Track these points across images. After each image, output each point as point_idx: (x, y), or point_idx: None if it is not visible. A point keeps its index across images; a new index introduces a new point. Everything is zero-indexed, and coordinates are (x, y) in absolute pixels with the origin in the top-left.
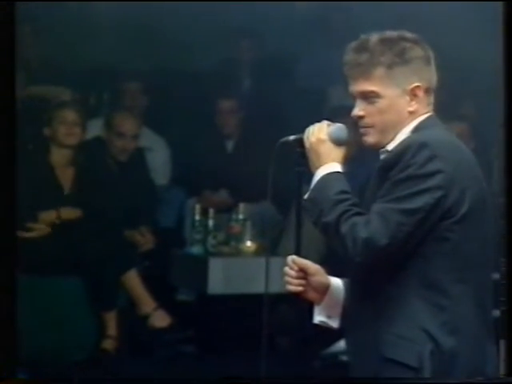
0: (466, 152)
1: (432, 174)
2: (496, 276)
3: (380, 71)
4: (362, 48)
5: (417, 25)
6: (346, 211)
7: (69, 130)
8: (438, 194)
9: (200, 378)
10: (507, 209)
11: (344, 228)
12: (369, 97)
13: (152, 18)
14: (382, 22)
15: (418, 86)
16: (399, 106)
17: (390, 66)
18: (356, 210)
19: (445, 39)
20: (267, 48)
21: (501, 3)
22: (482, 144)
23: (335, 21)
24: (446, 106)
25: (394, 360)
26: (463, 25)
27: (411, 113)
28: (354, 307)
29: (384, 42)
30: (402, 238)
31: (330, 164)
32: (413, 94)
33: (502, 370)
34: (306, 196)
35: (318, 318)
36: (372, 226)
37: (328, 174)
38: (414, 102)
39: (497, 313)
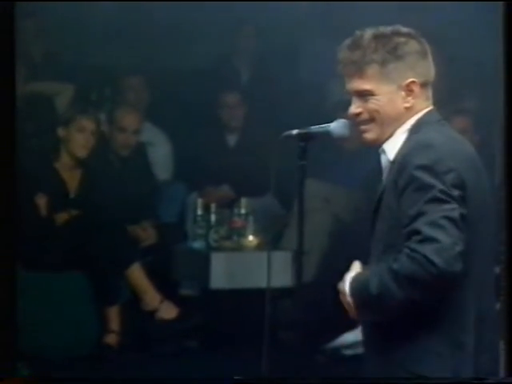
0: (469, 152)
1: (455, 187)
2: (496, 269)
3: (373, 69)
4: (355, 46)
5: (418, 18)
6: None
7: (86, 141)
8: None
9: (204, 378)
10: (507, 206)
11: (401, 267)
12: (364, 95)
13: (153, 12)
14: (385, 15)
15: (413, 82)
16: (395, 103)
17: (383, 63)
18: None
19: (446, 32)
20: (269, 42)
21: (501, 3)
22: (485, 137)
23: (337, 14)
24: (447, 99)
25: (423, 376)
26: (465, 17)
27: (408, 108)
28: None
29: (377, 38)
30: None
31: None
32: (408, 90)
33: (502, 370)
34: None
35: None
36: (436, 235)
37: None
38: (410, 98)
39: (497, 305)
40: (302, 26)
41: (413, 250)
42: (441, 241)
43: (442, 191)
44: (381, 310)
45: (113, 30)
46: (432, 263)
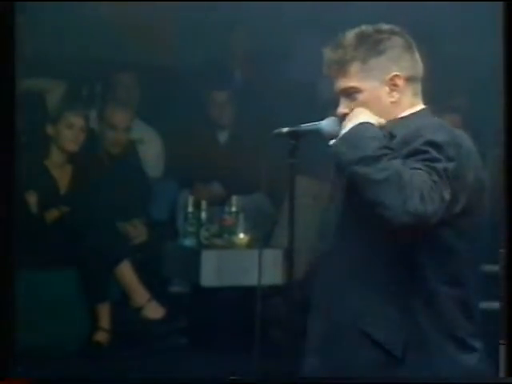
0: (467, 143)
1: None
2: (495, 268)
3: (355, 66)
4: (337, 46)
5: (411, 17)
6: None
7: (75, 137)
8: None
9: (194, 377)
10: (507, 202)
11: (406, 176)
12: (349, 93)
13: (145, 10)
14: (379, 13)
15: (397, 75)
16: (380, 98)
17: (364, 60)
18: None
19: (439, 31)
20: (259, 40)
21: (501, 3)
22: (476, 134)
23: (329, 13)
24: (438, 96)
25: (375, 341)
26: (458, 16)
27: (394, 103)
28: (339, 279)
29: (358, 36)
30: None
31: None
32: (392, 84)
33: (502, 370)
34: (336, 140)
35: None
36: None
37: (365, 123)
38: (395, 93)
39: (496, 305)
40: (293, 26)
41: (417, 188)
42: (434, 200)
43: (446, 170)
44: (351, 172)
45: (105, 27)
46: (424, 202)
